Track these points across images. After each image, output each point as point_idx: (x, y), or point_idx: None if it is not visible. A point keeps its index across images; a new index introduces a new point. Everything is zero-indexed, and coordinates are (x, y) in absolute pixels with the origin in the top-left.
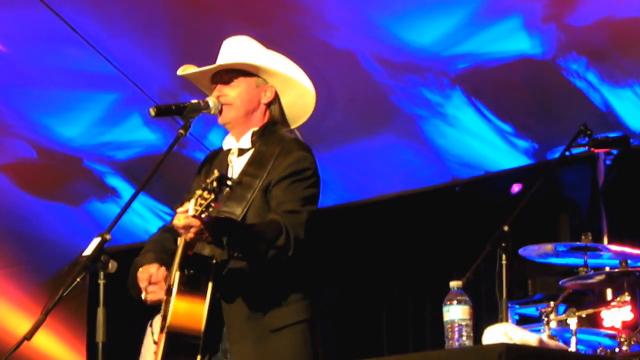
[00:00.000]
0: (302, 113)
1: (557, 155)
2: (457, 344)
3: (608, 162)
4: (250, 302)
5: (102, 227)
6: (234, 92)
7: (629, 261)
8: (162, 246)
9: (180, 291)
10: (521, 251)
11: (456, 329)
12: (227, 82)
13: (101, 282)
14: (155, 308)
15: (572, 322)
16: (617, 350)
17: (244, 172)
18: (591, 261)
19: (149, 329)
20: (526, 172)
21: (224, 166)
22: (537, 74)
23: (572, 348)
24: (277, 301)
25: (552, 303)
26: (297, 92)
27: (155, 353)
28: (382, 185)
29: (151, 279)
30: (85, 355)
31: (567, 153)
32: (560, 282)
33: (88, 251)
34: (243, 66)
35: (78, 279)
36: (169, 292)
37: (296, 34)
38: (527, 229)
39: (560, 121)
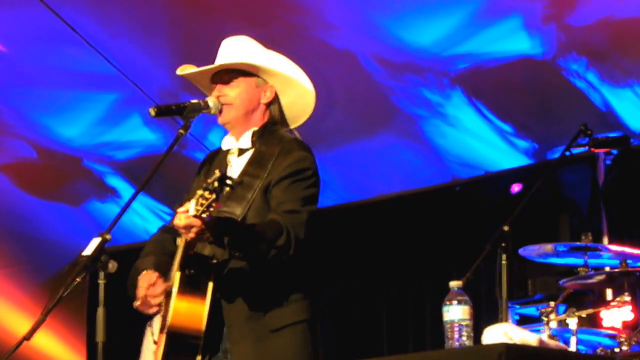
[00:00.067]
0: (302, 113)
1: (557, 155)
2: (457, 344)
3: (608, 162)
4: (250, 302)
5: (102, 227)
6: (233, 92)
7: (629, 261)
8: (162, 247)
9: (181, 291)
10: (521, 251)
11: (456, 329)
12: (226, 82)
13: (101, 282)
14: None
15: (572, 322)
16: (617, 350)
17: (244, 172)
18: (591, 261)
19: (148, 329)
20: (526, 172)
21: (224, 166)
22: (537, 74)
23: (572, 348)
24: (277, 301)
25: (552, 303)
26: (297, 92)
27: (155, 353)
28: (382, 185)
29: (148, 290)
30: (85, 355)
31: (567, 153)
32: (560, 282)
33: (88, 251)
34: (243, 66)
35: (78, 279)
36: (169, 292)
37: (296, 34)
38: (527, 229)
39: (560, 121)
